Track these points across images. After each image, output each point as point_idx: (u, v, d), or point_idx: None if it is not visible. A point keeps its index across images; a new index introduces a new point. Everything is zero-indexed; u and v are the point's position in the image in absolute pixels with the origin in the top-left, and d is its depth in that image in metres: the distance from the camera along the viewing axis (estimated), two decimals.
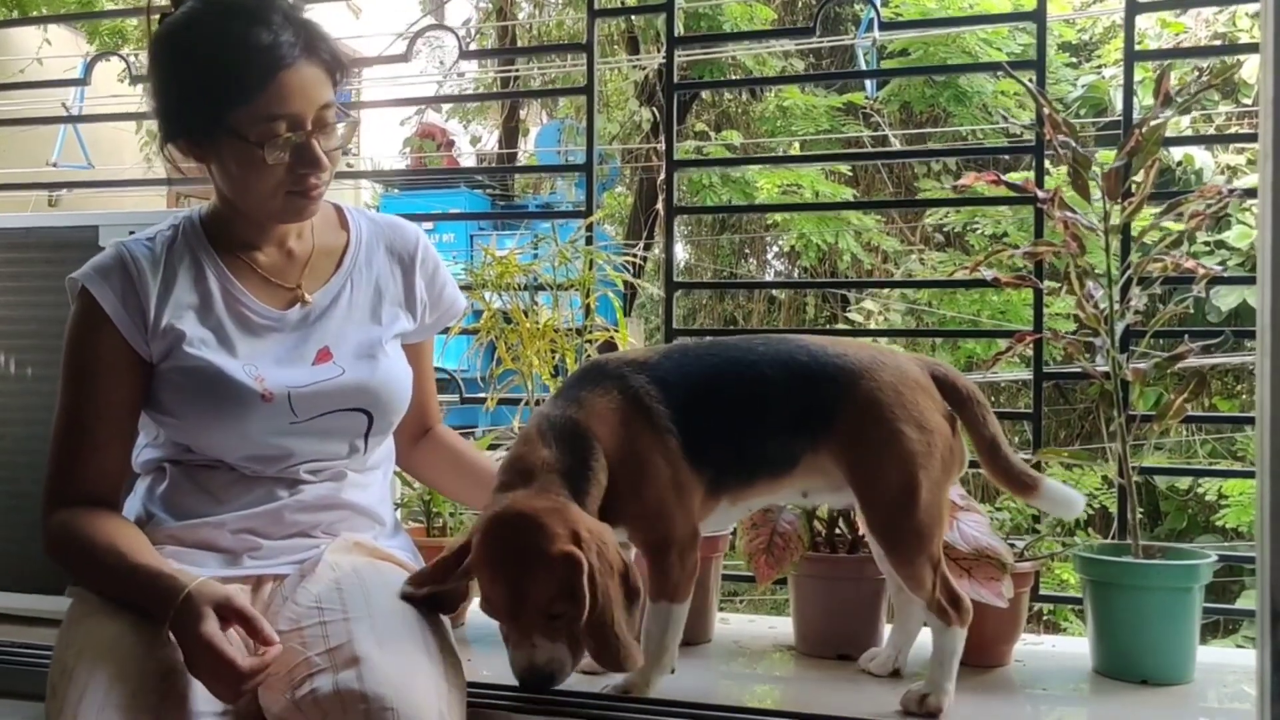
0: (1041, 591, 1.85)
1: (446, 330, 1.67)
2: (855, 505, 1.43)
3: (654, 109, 8.03)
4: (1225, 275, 1.55)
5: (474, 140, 10.41)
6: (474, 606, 1.89)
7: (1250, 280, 1.56)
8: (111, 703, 1.15)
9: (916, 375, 1.43)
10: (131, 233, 1.52)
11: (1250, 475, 1.38)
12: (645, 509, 1.35)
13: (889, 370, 1.41)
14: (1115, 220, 1.61)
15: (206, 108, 1.34)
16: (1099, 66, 7.09)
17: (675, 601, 1.37)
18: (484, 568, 1.27)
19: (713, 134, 8.66)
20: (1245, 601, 4.43)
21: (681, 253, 9.31)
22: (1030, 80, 1.78)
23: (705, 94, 9.11)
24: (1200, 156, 6.16)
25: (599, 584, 1.23)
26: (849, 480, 1.40)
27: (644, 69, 8.07)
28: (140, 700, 1.17)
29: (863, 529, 1.65)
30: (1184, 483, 6.30)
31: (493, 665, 1.62)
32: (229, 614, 1.22)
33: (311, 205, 1.42)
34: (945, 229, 7.90)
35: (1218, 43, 6.15)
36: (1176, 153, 6.01)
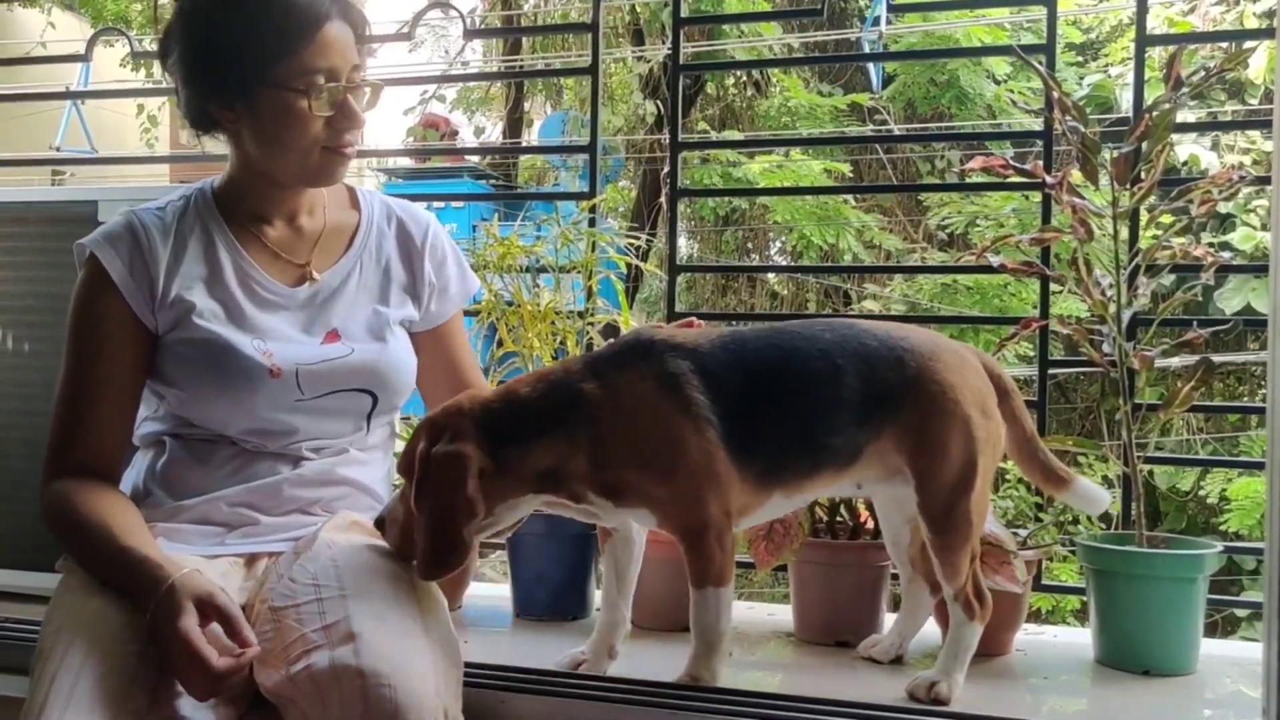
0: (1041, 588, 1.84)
1: None
2: (911, 489, 1.37)
3: (658, 102, 8.01)
4: (1234, 264, 1.53)
5: (478, 131, 10.37)
6: (472, 590, 1.88)
7: (1260, 269, 1.55)
8: (82, 684, 1.14)
9: (975, 362, 1.41)
10: (132, 206, 1.51)
11: (1259, 466, 1.37)
12: (677, 494, 1.31)
13: (952, 354, 1.38)
14: (1124, 206, 1.59)
15: (252, 60, 1.34)
16: (1105, 65, 7.08)
17: (721, 585, 1.33)
18: None
19: (714, 133, 8.64)
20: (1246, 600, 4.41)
21: (685, 247, 9.29)
22: (1039, 63, 1.76)
23: (710, 88, 9.09)
24: (1206, 157, 6.15)
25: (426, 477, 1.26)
26: (910, 464, 1.36)
27: (648, 61, 8.05)
28: (110, 681, 1.15)
29: (867, 514, 1.65)
30: (1185, 484, 6.28)
31: (490, 647, 1.61)
32: (210, 610, 1.20)
33: (343, 167, 1.43)
34: (948, 228, 7.89)
35: (1226, 43, 6.13)
36: (1182, 153, 6.00)
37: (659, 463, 1.30)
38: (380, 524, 1.34)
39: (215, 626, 1.20)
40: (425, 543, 1.27)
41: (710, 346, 1.34)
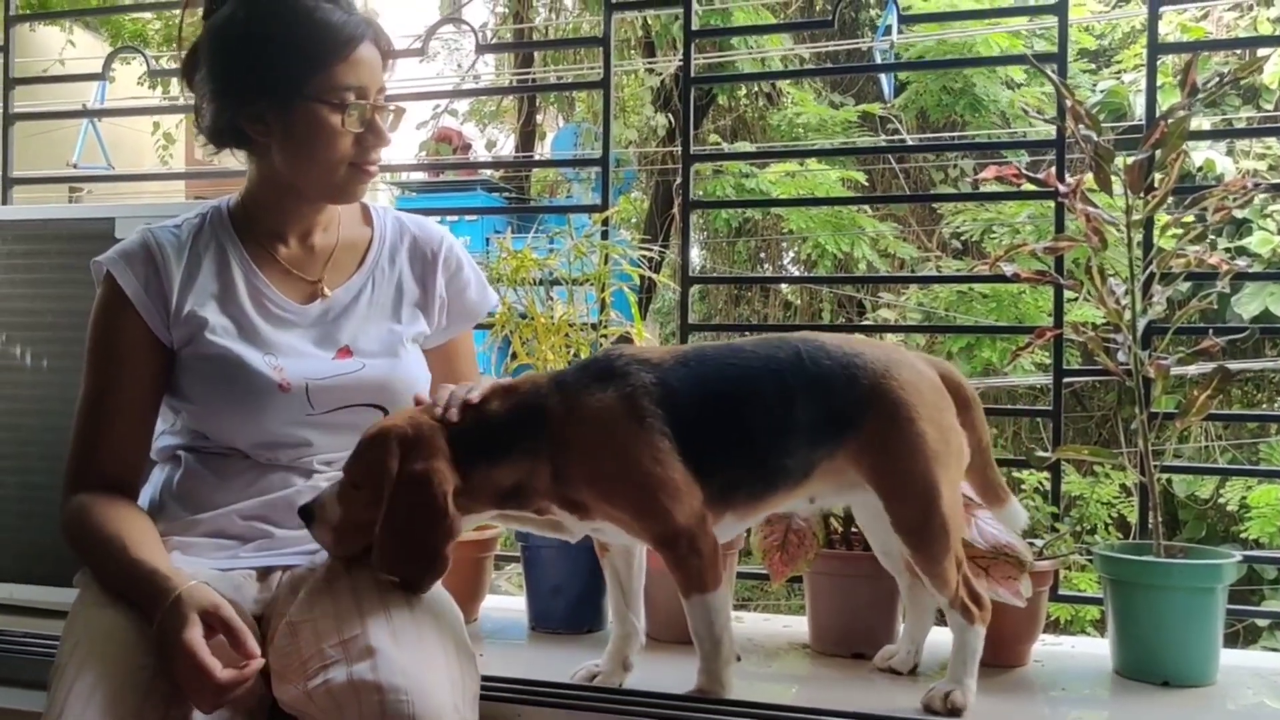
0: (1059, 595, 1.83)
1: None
2: (871, 494, 1.38)
3: (669, 114, 8.02)
4: (1250, 271, 1.52)
5: (490, 144, 10.43)
6: (487, 603, 1.88)
7: (1277, 276, 1.54)
8: (97, 699, 1.15)
9: (932, 375, 1.41)
10: (148, 224, 1.53)
11: (1277, 475, 1.35)
12: (635, 505, 1.30)
13: (908, 369, 1.38)
14: (1138, 214, 1.59)
15: (289, 73, 1.37)
16: (1118, 71, 7.05)
17: (707, 591, 1.32)
18: None
19: (726, 145, 8.64)
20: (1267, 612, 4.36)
21: (697, 258, 9.30)
22: (1051, 70, 1.75)
23: (721, 100, 9.11)
24: (1221, 162, 6.11)
25: (396, 490, 1.25)
26: (873, 482, 1.36)
27: (660, 74, 8.07)
28: (123, 697, 1.16)
29: (863, 527, 1.64)
30: (1204, 491, 6.22)
31: (506, 660, 1.61)
32: (216, 622, 1.21)
33: (365, 184, 1.45)
34: (962, 236, 7.86)
35: (1240, 50, 6.10)
36: (1197, 158, 5.96)
37: (613, 474, 1.30)
38: (307, 515, 1.31)
39: (223, 638, 1.21)
40: (405, 561, 1.26)
41: (672, 361, 1.35)
